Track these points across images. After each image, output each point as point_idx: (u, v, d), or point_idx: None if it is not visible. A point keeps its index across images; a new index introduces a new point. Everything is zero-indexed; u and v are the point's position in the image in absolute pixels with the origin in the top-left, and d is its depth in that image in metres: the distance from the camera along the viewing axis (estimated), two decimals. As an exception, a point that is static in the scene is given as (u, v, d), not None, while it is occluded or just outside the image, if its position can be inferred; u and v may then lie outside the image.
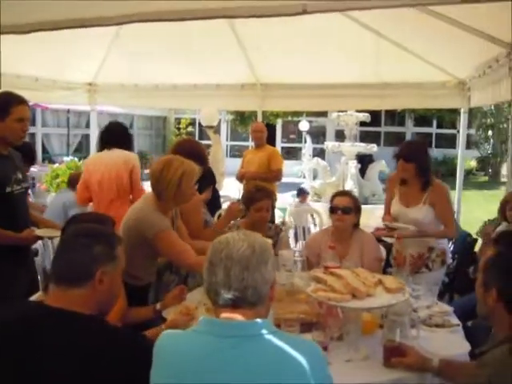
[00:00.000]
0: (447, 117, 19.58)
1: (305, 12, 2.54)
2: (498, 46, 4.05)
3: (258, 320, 1.46)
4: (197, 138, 17.66)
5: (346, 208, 3.51)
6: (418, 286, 3.11)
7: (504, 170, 18.89)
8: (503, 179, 18.29)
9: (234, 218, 3.71)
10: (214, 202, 4.46)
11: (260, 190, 3.81)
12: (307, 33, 5.17)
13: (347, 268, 2.81)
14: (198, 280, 3.27)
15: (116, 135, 4.50)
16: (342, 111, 10.21)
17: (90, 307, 1.66)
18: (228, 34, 5.65)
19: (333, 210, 3.57)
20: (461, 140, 6.85)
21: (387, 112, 20.05)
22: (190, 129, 22.09)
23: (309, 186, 10.70)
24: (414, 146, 3.90)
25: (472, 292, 4.13)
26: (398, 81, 6.38)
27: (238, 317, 1.45)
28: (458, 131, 19.79)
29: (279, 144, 21.58)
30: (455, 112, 17.76)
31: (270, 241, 2.06)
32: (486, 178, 19.20)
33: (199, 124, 22.34)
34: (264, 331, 1.44)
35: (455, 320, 2.78)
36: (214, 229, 3.56)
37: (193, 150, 3.76)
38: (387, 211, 3.95)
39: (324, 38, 5.36)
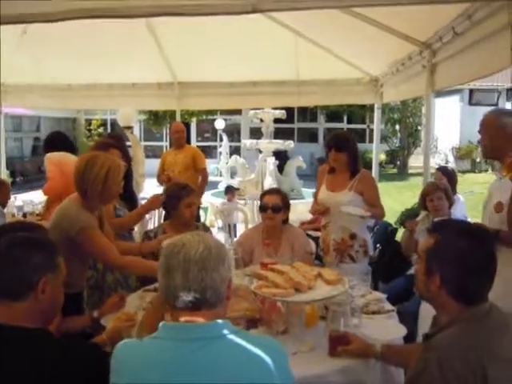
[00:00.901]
0: (357, 112, 20.35)
1: (254, 11, 2.54)
2: (411, 44, 4.25)
3: (219, 321, 1.45)
4: (110, 140, 17.07)
5: (275, 206, 3.58)
6: (351, 277, 3.21)
7: (411, 162, 19.92)
8: (411, 171, 19.30)
9: (154, 207, 3.76)
10: (130, 198, 4.41)
11: (185, 187, 3.82)
12: (225, 31, 5.19)
13: (283, 263, 2.86)
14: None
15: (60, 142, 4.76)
16: (258, 108, 10.32)
17: (35, 319, 1.59)
18: (144, 32, 5.55)
19: (263, 209, 3.61)
20: (375, 134, 7.13)
21: (299, 108, 20.49)
22: (101, 130, 21.43)
23: (227, 184, 10.74)
24: (345, 136, 4.08)
25: (394, 279, 4.35)
26: (315, 78, 6.55)
27: (198, 319, 1.44)
28: (368, 126, 20.71)
29: (194, 143, 21.44)
30: (365, 108, 18.50)
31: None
32: (395, 170, 20.14)
33: (111, 125, 21.82)
34: (226, 331, 1.43)
35: (389, 306, 2.90)
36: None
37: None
38: (316, 200, 4.10)
39: (242, 37, 5.40)
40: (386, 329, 2.57)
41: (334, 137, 4.05)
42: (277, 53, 5.72)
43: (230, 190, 8.15)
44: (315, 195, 4.17)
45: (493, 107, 15.98)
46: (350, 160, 3.85)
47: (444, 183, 3.94)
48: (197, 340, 1.40)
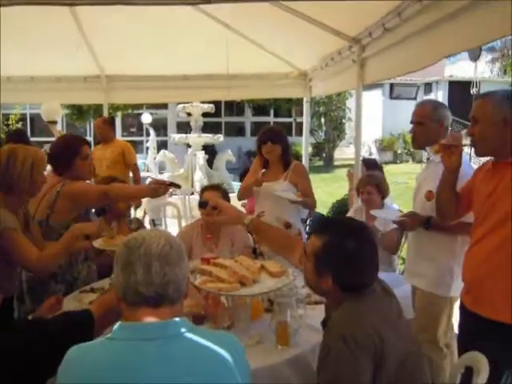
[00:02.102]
0: (284, 106, 20.61)
1: (208, 2, 2.49)
2: (341, 39, 4.34)
3: (176, 319, 1.43)
4: (29, 135, 16.35)
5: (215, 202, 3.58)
6: (292, 268, 3.25)
7: (336, 155, 20.44)
8: (336, 163, 19.81)
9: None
10: None
11: (114, 179, 3.77)
12: (155, 23, 5.09)
13: (223, 257, 2.87)
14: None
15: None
16: (186, 102, 10.23)
17: None
18: (69, 23, 5.32)
19: (202, 205, 3.59)
20: (304, 127, 7.24)
21: (227, 102, 20.48)
22: (19, 125, 20.45)
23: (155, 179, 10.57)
24: (278, 129, 4.22)
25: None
26: (245, 72, 6.56)
27: (157, 317, 1.41)
28: (294, 119, 21.04)
29: (120, 138, 20.93)
30: (291, 101, 18.77)
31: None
32: (322, 163, 20.60)
33: (31, 119, 20.87)
34: (183, 329, 1.41)
35: (330, 296, 2.96)
36: None
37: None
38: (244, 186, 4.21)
39: (172, 30, 5.31)
40: (328, 318, 2.63)
41: (269, 130, 4.19)
42: (207, 46, 5.67)
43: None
44: (243, 180, 4.29)
45: (412, 100, 16.72)
46: (284, 152, 4.00)
47: (378, 176, 4.06)
48: (154, 339, 1.37)
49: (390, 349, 1.68)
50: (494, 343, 2.16)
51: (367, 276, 1.85)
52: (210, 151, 11.89)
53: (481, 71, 20.95)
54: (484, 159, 2.69)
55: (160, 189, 3.23)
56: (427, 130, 3.03)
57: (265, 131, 4.13)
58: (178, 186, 3.09)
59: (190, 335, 1.41)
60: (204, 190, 3.74)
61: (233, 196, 4.64)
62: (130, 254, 1.42)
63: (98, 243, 2.96)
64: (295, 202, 3.88)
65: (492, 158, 2.51)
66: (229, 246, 3.56)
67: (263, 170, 3.98)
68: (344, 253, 1.81)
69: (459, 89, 18.48)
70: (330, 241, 1.84)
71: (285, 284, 2.48)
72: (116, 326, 1.43)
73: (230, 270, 2.52)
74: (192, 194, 8.13)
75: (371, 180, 3.95)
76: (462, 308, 2.58)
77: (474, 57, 18.94)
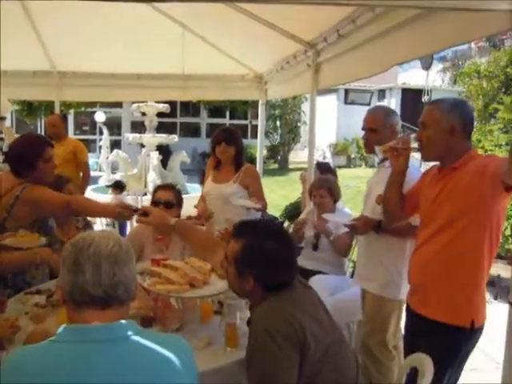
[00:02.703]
0: (240, 108, 20.62)
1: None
2: (297, 43, 4.38)
3: (123, 321, 1.40)
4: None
5: (168, 202, 3.53)
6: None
7: (291, 158, 20.59)
8: (291, 166, 19.95)
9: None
10: None
11: (60, 177, 3.71)
12: (110, 21, 5.00)
13: (174, 258, 2.84)
14: None
15: None
16: (141, 102, 10.10)
17: None
18: (19, 13, 5.14)
19: (155, 204, 3.55)
20: (259, 130, 7.27)
21: (182, 103, 20.35)
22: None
23: (108, 179, 10.42)
24: (233, 131, 4.19)
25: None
26: (201, 73, 6.53)
27: (104, 319, 1.38)
28: (250, 122, 21.08)
29: (72, 136, 20.47)
30: (247, 104, 18.80)
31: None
32: (276, 166, 20.71)
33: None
34: (130, 332, 1.39)
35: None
36: None
37: None
38: (202, 197, 4.16)
39: (128, 28, 5.23)
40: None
41: (224, 131, 4.17)
42: (163, 46, 5.62)
43: (118, 186, 7.89)
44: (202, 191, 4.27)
45: (366, 106, 17.04)
46: (237, 154, 4.00)
47: (330, 180, 4.10)
48: (101, 342, 1.34)
49: (312, 338, 1.75)
50: (438, 343, 2.22)
51: (287, 275, 1.93)
52: (165, 152, 11.78)
53: (432, 80, 21.55)
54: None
55: (125, 213, 3.16)
56: (380, 136, 3.09)
57: (220, 131, 4.12)
58: (144, 214, 3.00)
59: (136, 338, 1.39)
60: (157, 189, 3.69)
61: (186, 197, 4.61)
62: (78, 254, 1.40)
63: (7, 241, 2.79)
64: (256, 209, 3.87)
65: (438, 162, 2.59)
66: (181, 247, 3.52)
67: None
68: (262, 253, 1.89)
69: (411, 96, 18.94)
70: (247, 243, 1.91)
71: (235, 286, 2.48)
72: (61, 328, 1.39)
73: (181, 271, 2.50)
74: (145, 194, 8.03)
75: (324, 184, 3.99)
76: (408, 309, 2.64)
77: (426, 66, 19.49)
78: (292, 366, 1.71)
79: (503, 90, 14.67)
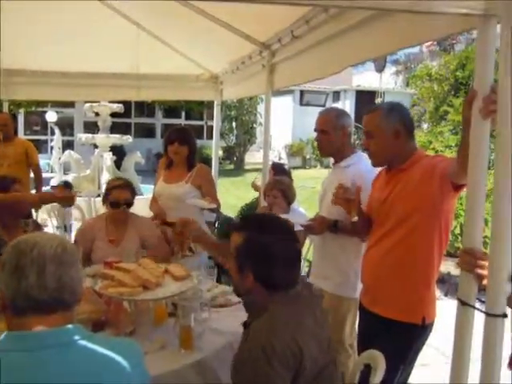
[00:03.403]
0: (195, 108, 20.50)
1: None
2: (252, 44, 4.37)
3: (69, 326, 1.35)
4: None
5: (128, 201, 3.52)
6: (198, 272, 3.22)
7: (247, 159, 20.61)
8: (247, 167, 19.97)
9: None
10: None
11: (5, 178, 3.62)
12: (61, 18, 4.86)
13: (127, 255, 2.82)
14: None
15: None
16: (94, 101, 9.90)
17: None
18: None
19: (115, 205, 3.50)
20: (215, 131, 7.20)
21: (137, 103, 20.08)
22: None
23: (60, 180, 10.18)
24: (186, 131, 4.15)
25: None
26: (156, 72, 6.43)
27: (48, 324, 1.32)
28: (206, 122, 20.99)
29: (22, 136, 19.89)
30: (203, 104, 18.70)
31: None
32: (232, 166, 20.68)
33: None
34: (77, 337, 1.34)
35: (235, 298, 2.96)
36: None
37: None
38: (154, 198, 4.07)
39: (80, 25, 5.10)
40: (234, 321, 2.62)
41: (178, 130, 4.13)
42: (116, 44, 5.49)
43: (66, 187, 7.68)
44: (154, 191, 4.17)
45: (321, 108, 17.23)
46: (190, 154, 3.95)
47: (284, 182, 4.10)
48: (47, 348, 1.29)
49: (309, 361, 1.68)
50: (390, 341, 2.26)
51: (289, 273, 1.83)
52: (119, 152, 11.59)
53: (386, 82, 22.02)
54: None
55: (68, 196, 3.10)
56: (331, 138, 3.14)
57: (173, 131, 4.07)
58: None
59: (84, 342, 1.34)
60: (112, 188, 3.61)
61: (141, 198, 4.55)
62: (20, 257, 1.33)
63: None
64: (210, 209, 3.84)
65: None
66: (137, 239, 3.49)
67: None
68: (264, 247, 1.79)
69: (365, 98, 19.26)
70: (249, 236, 1.82)
71: (188, 288, 2.46)
72: (2, 336, 1.32)
73: (133, 274, 2.46)
74: (98, 196, 7.86)
75: (277, 185, 3.99)
76: (361, 308, 2.68)
77: (380, 68, 19.87)
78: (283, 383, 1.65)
79: (453, 93, 15.09)
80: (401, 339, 2.39)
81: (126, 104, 11.78)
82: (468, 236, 1.78)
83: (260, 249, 1.79)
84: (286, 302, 1.78)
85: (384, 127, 2.51)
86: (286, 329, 1.70)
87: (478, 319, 1.73)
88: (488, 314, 1.63)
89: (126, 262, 2.85)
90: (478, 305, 1.73)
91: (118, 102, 10.05)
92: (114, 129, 11.61)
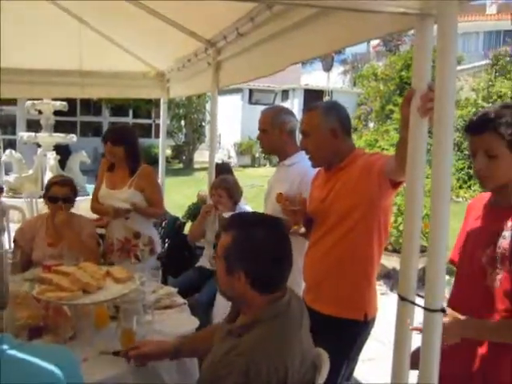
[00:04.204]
0: (143, 107, 20.21)
1: None
2: (197, 41, 4.32)
3: None
4: None
5: (67, 197, 3.45)
6: (142, 273, 3.16)
7: (196, 157, 20.47)
8: (196, 166, 19.84)
9: None
10: None
11: None
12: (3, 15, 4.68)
13: (67, 257, 2.75)
14: None
15: None
16: (37, 99, 9.59)
17: None
18: None
19: (53, 200, 3.42)
20: (161, 129, 7.07)
21: (83, 101, 19.61)
22: None
23: (1, 180, 9.84)
24: (121, 130, 4.00)
25: (184, 273, 4.42)
26: (100, 69, 6.27)
27: None
28: (154, 121, 20.70)
29: (-40, 135, 19.08)
30: (150, 102, 18.45)
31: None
32: (181, 165, 20.49)
33: None
34: (5, 346, 1.27)
35: (180, 299, 2.93)
36: None
37: None
38: (95, 197, 3.94)
39: (19, 20, 4.92)
40: (178, 322, 2.60)
41: (111, 130, 4.01)
42: (58, 40, 5.32)
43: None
44: (94, 192, 3.99)
45: (272, 105, 17.31)
46: (129, 155, 3.75)
47: (229, 181, 4.08)
48: None
49: (293, 376, 1.65)
50: (334, 338, 2.27)
51: (281, 271, 1.79)
52: (64, 152, 11.29)
53: (333, 81, 22.35)
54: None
55: None
56: (270, 136, 3.18)
57: (107, 131, 3.95)
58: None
59: (13, 352, 1.27)
60: (51, 185, 3.52)
61: (87, 198, 4.42)
62: None
63: None
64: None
65: None
66: (76, 238, 3.41)
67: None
68: (255, 245, 1.73)
69: (314, 97, 19.45)
70: (239, 234, 1.75)
71: (131, 290, 2.40)
72: None
73: (73, 277, 2.38)
74: (40, 197, 7.62)
75: (222, 184, 3.98)
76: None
77: (327, 68, 20.15)
78: None
79: (398, 93, 15.49)
80: (343, 336, 2.42)
81: (71, 102, 11.46)
82: (407, 232, 1.81)
83: (251, 247, 1.73)
84: (278, 315, 1.74)
85: (321, 126, 2.53)
86: (277, 352, 1.65)
87: (419, 314, 1.75)
88: (427, 310, 1.65)
89: (67, 263, 2.77)
90: (417, 300, 1.75)
91: (62, 100, 9.77)
92: (59, 127, 11.28)
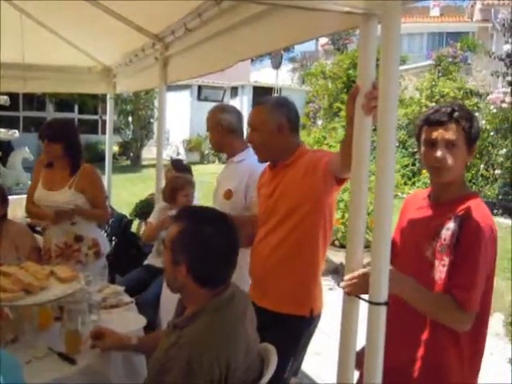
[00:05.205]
0: (89, 102, 19.73)
1: None
2: (145, 36, 4.26)
3: None
4: None
5: None
6: (87, 272, 3.08)
7: (144, 154, 20.17)
8: (144, 162, 19.56)
9: None
10: None
11: None
12: None
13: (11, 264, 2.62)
14: None
15: None
16: (-23, 93, 9.22)
17: None
18: None
19: None
20: (108, 125, 6.94)
21: (26, 96, 18.98)
22: None
23: None
24: (59, 124, 3.65)
25: (131, 271, 4.36)
26: (44, 63, 6.09)
27: None
28: (100, 117, 20.25)
29: None
30: (97, 98, 18.04)
31: None
32: (129, 162, 20.14)
33: None
34: None
35: (127, 298, 2.89)
36: None
37: None
38: (30, 199, 3.64)
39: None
40: (125, 321, 2.56)
41: (47, 125, 3.67)
42: (-2, 31, 5.13)
43: None
44: (29, 192, 3.68)
45: (218, 103, 17.29)
46: (67, 152, 3.48)
47: (191, 178, 4.03)
48: None
49: (234, 377, 1.66)
50: (279, 333, 2.29)
51: (223, 269, 1.80)
52: (6, 148, 10.91)
53: (282, 79, 22.47)
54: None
55: None
56: (213, 134, 3.26)
57: (43, 126, 3.62)
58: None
59: None
60: None
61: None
62: None
63: None
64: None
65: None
66: (12, 250, 3.25)
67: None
68: (199, 238, 1.75)
69: (263, 94, 19.47)
70: (186, 226, 1.76)
71: (75, 289, 2.34)
72: None
73: (14, 277, 2.30)
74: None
75: (190, 182, 3.87)
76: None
77: (276, 65, 20.25)
78: None
79: (346, 91, 15.73)
80: (289, 331, 2.44)
81: (13, 96, 11.07)
82: (352, 228, 1.84)
83: (196, 240, 1.75)
84: (221, 307, 1.75)
85: (268, 121, 2.55)
86: (219, 344, 1.66)
87: (364, 307, 1.79)
88: (371, 303, 1.69)
89: (8, 263, 2.67)
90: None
91: (3, 94, 9.42)
92: (2, 122, 10.89)
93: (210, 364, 1.61)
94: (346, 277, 1.80)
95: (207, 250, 1.76)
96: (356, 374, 1.97)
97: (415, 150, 12.55)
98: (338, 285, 6.09)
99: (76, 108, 21.22)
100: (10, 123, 15.97)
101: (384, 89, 1.66)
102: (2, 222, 3.34)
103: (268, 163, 2.74)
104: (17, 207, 5.01)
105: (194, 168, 7.82)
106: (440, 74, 14.19)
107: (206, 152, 20.64)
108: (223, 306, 1.77)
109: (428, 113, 2.01)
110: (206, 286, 1.77)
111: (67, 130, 3.57)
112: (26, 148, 10.27)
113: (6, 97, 9.57)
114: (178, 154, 20.06)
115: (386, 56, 1.65)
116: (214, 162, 19.90)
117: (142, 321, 2.58)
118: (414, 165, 12.52)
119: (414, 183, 12.10)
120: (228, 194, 3.13)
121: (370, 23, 1.76)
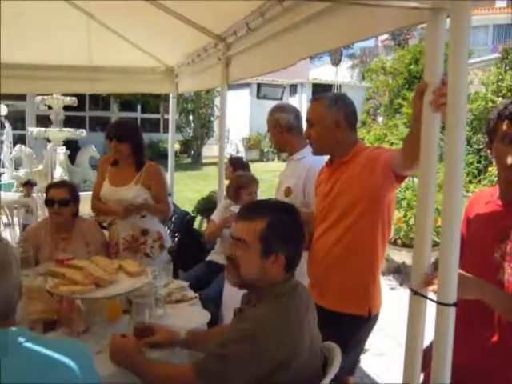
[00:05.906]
0: (151, 102, 20.23)
1: None
2: (207, 36, 4.32)
3: (13, 328, 1.31)
4: None
5: (63, 200, 3.38)
6: (154, 267, 3.16)
7: (204, 152, 20.49)
8: (204, 160, 19.87)
9: None
10: None
11: None
12: (9, 10, 4.69)
13: (82, 258, 2.73)
14: None
15: None
16: (46, 94, 9.63)
17: None
18: None
19: (49, 203, 3.40)
20: (170, 124, 7.11)
21: (92, 96, 19.67)
22: None
23: (12, 175, 9.91)
24: (126, 125, 3.80)
25: (194, 267, 4.43)
26: (109, 65, 6.29)
27: None
28: (162, 116, 20.73)
29: (-30, 130, 19.20)
30: (159, 97, 18.46)
31: None
32: (190, 160, 20.53)
33: None
34: (22, 339, 1.29)
35: (192, 293, 2.94)
36: None
37: None
38: (96, 195, 3.77)
39: (29, 16, 4.94)
40: (190, 316, 2.61)
41: (115, 126, 3.81)
42: (67, 35, 5.33)
43: (28, 184, 7.48)
44: (95, 189, 3.81)
45: (278, 101, 17.31)
46: (134, 151, 3.63)
47: (254, 176, 4.06)
48: None
49: (296, 362, 1.72)
50: (333, 330, 2.26)
51: (300, 254, 1.94)
52: (73, 147, 11.34)
53: (342, 76, 22.26)
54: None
55: None
56: (273, 134, 3.38)
57: (110, 127, 3.76)
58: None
59: (29, 345, 1.29)
60: (49, 188, 3.51)
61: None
62: None
63: None
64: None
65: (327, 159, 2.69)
66: (83, 245, 3.39)
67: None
68: (288, 228, 1.86)
69: (322, 91, 19.33)
70: (273, 219, 1.84)
71: (143, 284, 2.41)
72: None
73: (86, 271, 2.40)
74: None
75: (254, 180, 3.92)
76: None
77: (336, 62, 20.07)
78: (255, 369, 1.68)
79: (407, 87, 15.41)
80: (345, 329, 2.41)
81: (80, 97, 11.49)
82: (419, 227, 1.80)
83: (287, 230, 1.86)
84: (285, 294, 1.83)
85: (325, 116, 2.55)
86: (285, 328, 1.74)
87: (431, 308, 1.76)
88: (439, 304, 1.65)
89: (79, 257, 2.78)
90: (429, 294, 1.75)
91: (72, 95, 9.81)
92: (68, 122, 11.31)
93: (271, 347, 1.67)
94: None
95: (298, 238, 1.90)
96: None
97: (480, 147, 12.13)
98: (400, 284, 6.00)
99: (139, 107, 21.82)
100: (78, 123, 16.59)
101: (453, 85, 1.61)
102: (74, 219, 3.48)
103: (326, 161, 2.72)
104: (84, 203, 5.22)
105: (254, 166, 7.90)
106: (507, 68, 13.63)
107: (266, 150, 20.73)
108: (287, 293, 1.84)
109: (509, 106, 1.86)
110: (290, 271, 1.88)
111: (134, 130, 3.73)
112: (93, 146, 10.64)
113: (74, 98, 9.97)
114: (238, 151, 20.24)
115: (456, 51, 1.61)
116: (273, 159, 19.98)
117: (207, 316, 2.62)
118: (479, 162, 12.11)
119: (479, 181, 11.71)
120: (288, 192, 3.16)
121: (439, 18, 1.72)
